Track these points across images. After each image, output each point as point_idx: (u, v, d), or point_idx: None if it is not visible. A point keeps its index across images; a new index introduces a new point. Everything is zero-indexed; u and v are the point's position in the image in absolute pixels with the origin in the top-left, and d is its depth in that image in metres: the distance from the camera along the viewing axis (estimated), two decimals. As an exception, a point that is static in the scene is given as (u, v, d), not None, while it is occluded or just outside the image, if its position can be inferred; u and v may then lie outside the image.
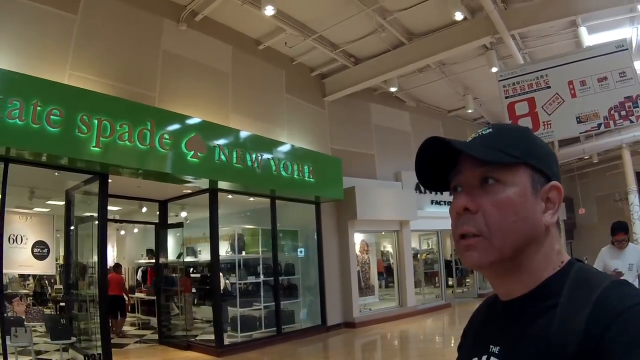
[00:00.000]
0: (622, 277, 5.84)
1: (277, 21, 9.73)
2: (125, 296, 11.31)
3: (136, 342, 10.09)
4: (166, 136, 8.03)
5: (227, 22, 10.10)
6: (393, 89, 12.52)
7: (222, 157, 8.79)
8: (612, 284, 0.81)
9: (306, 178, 10.36)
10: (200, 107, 9.03)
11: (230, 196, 9.78)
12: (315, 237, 11.28)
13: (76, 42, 7.80)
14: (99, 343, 7.48)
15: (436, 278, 15.16)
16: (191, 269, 11.92)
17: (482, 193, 0.90)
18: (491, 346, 0.94)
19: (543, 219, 0.90)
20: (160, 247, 10.30)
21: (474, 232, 0.89)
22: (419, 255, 14.95)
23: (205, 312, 10.65)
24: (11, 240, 7.53)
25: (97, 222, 7.88)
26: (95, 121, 7.24)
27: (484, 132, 0.96)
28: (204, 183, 9.02)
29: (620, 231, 6.13)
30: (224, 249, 10.15)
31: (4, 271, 7.82)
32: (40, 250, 8.03)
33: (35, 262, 7.93)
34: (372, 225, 12.26)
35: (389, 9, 9.91)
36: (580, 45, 11.07)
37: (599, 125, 9.04)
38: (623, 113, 8.76)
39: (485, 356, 0.95)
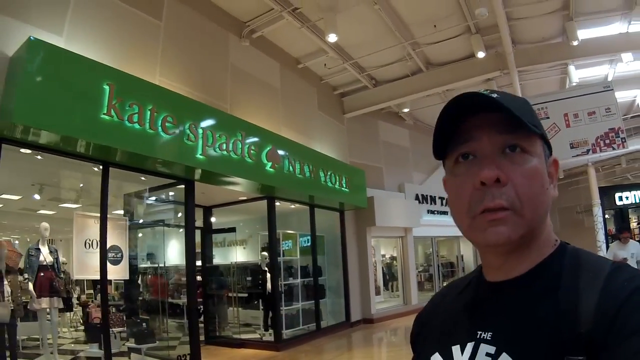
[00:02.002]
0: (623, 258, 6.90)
1: (323, 45, 9.63)
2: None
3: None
4: (253, 148, 7.72)
5: (276, 41, 9.83)
6: (405, 110, 12.71)
7: (290, 168, 8.58)
8: (617, 265, 0.74)
9: (343, 188, 10.29)
10: (262, 120, 8.70)
11: (278, 203, 9.49)
12: (340, 241, 11.21)
13: (163, 48, 7.29)
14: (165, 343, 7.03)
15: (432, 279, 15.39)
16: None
17: (506, 163, 0.76)
18: (479, 332, 0.78)
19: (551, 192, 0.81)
20: (206, 250, 9.80)
21: (506, 206, 0.74)
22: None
23: (245, 313, 10.21)
24: (87, 245, 6.79)
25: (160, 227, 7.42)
26: (200, 130, 6.82)
27: (491, 95, 0.78)
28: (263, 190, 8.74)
29: (625, 232, 8.34)
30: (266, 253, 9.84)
31: (80, 277, 7.18)
32: (114, 255, 7.37)
33: (110, 267, 7.24)
34: (384, 232, 12.33)
35: (420, 43, 10.10)
36: (564, 81, 11.93)
37: (588, 150, 9.88)
38: (607, 141, 9.67)
39: (472, 343, 0.78)
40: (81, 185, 7.75)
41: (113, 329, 6.67)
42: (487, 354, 0.74)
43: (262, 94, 9.31)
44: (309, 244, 10.15)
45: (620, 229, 8.75)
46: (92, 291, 8.12)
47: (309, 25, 9.02)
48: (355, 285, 11.37)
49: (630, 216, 18.46)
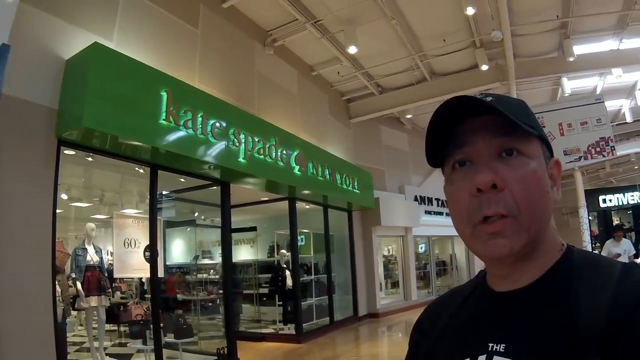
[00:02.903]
0: (619, 258, 7.41)
1: (339, 54, 9.79)
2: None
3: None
4: (285, 152, 7.84)
5: (294, 49, 9.94)
6: (408, 116, 12.96)
7: (313, 170, 8.72)
8: (627, 265, 0.69)
9: (355, 190, 10.47)
10: (284, 125, 8.78)
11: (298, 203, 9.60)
12: (348, 240, 11.39)
13: (200, 55, 7.33)
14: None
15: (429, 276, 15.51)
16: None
17: (503, 167, 0.70)
18: (491, 344, 0.72)
19: (553, 195, 0.76)
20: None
21: (504, 213, 0.69)
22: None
23: (265, 308, 10.29)
24: (126, 245, 6.78)
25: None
26: (242, 135, 6.91)
27: (485, 98, 0.73)
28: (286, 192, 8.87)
29: (618, 230, 8.99)
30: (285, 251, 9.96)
31: (121, 276, 7.16)
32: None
33: (147, 266, 7.23)
34: (388, 231, 12.53)
35: (428, 55, 10.37)
36: (556, 91, 12.37)
37: (580, 157, 10.27)
38: (598, 149, 10.07)
39: (484, 356, 0.72)
40: (121, 186, 7.71)
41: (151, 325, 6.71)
42: None
43: (283, 99, 9.40)
44: (319, 242, 10.27)
45: (615, 229, 9.44)
46: (125, 290, 8.07)
47: (328, 36, 9.17)
48: (362, 282, 11.55)
49: (613, 217, 19.27)
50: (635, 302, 0.61)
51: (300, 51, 10.07)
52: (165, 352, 6.19)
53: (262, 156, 7.26)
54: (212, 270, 8.50)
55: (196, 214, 9.49)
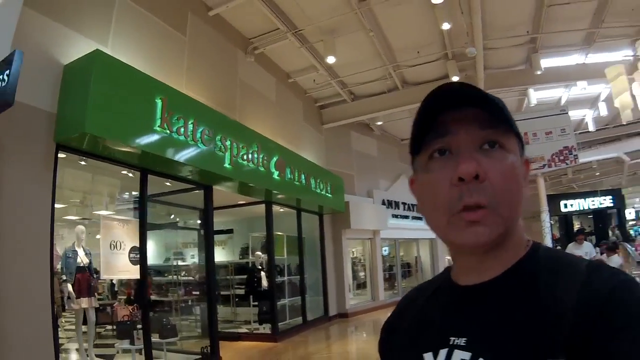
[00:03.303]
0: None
1: (316, 63, 10.16)
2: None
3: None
4: (265, 158, 8.13)
5: (273, 57, 10.23)
6: (379, 123, 13.44)
7: (290, 175, 9.03)
8: (592, 263, 0.70)
9: (327, 194, 10.85)
10: (264, 131, 9.03)
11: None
12: (319, 243, 11.76)
13: (188, 62, 7.52)
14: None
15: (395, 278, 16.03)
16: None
17: (484, 159, 0.70)
18: (452, 338, 0.73)
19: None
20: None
21: (484, 203, 0.68)
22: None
23: (240, 308, 10.50)
24: (112, 247, 6.91)
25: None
26: (228, 142, 7.16)
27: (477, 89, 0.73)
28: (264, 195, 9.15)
29: (580, 234, 9.64)
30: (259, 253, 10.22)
31: (107, 277, 7.25)
32: (135, 256, 7.53)
33: (131, 267, 7.36)
34: (357, 234, 12.93)
35: (401, 65, 10.86)
36: (522, 102, 13.10)
37: (544, 165, 11.02)
38: (561, 158, 10.84)
39: (445, 350, 0.73)
40: (108, 190, 7.79)
41: (138, 325, 6.86)
42: None
43: (262, 106, 9.66)
44: (292, 245, 10.59)
45: (577, 233, 10.24)
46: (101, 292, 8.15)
47: (308, 45, 9.52)
48: (332, 283, 11.94)
49: (574, 222, 20.28)
50: (603, 300, 0.61)
51: (279, 59, 10.37)
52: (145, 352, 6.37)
53: (245, 162, 7.53)
54: (187, 272, 8.66)
55: (172, 216, 9.64)
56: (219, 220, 10.57)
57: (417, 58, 10.36)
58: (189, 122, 6.36)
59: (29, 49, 4.84)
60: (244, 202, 9.50)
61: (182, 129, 6.22)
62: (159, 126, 5.80)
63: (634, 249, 13.53)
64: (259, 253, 10.03)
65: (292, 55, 9.97)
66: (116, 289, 8.55)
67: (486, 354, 0.67)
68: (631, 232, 26.37)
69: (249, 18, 8.69)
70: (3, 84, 3.99)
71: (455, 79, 10.62)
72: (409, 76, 11.48)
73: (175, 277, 8.54)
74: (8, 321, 4.45)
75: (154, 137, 5.76)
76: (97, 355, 7.08)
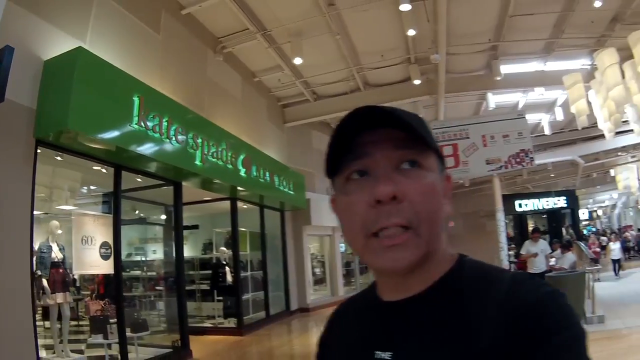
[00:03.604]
0: (536, 257, 8.76)
1: (282, 63, 10.40)
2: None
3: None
4: (234, 156, 8.31)
5: (240, 56, 10.38)
6: (339, 123, 13.81)
7: (256, 173, 9.25)
8: (516, 276, 0.70)
9: (290, 191, 11.12)
10: (230, 129, 9.18)
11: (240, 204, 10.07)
12: (280, 239, 12.02)
13: (161, 60, 7.61)
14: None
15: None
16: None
17: (403, 179, 0.68)
18: (377, 352, 0.72)
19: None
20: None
21: (403, 224, 0.67)
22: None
23: (205, 303, 10.61)
24: (83, 242, 6.95)
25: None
26: (200, 140, 7.31)
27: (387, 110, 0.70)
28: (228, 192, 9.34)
29: (535, 232, 9.84)
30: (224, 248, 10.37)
31: (79, 272, 7.24)
32: (105, 251, 7.54)
33: (101, 262, 7.39)
34: (317, 230, 13.26)
35: (365, 67, 11.26)
36: (480, 105, 13.75)
37: (501, 167, 11.66)
38: (518, 160, 11.41)
39: None
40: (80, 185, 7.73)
41: (110, 320, 6.92)
42: None
43: (229, 104, 9.81)
44: (254, 241, 10.82)
45: (532, 231, 10.60)
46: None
47: (275, 46, 9.75)
48: (293, 279, 12.24)
49: (528, 221, 21.14)
50: (527, 312, 0.62)
51: (246, 58, 10.52)
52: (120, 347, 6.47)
53: (215, 159, 7.70)
54: (157, 268, 8.71)
55: (136, 212, 9.64)
56: (184, 216, 10.67)
57: (381, 61, 10.77)
58: (164, 120, 6.49)
59: (8, 42, 4.86)
60: (209, 198, 9.63)
61: (157, 127, 6.36)
62: (136, 123, 5.93)
63: (587, 247, 14.49)
64: (224, 248, 10.19)
65: (259, 55, 10.15)
66: (78, 284, 8.48)
67: None
68: (584, 231, 27.98)
69: (220, 17, 8.82)
70: (-7, 80, 4.03)
71: (416, 82, 11.13)
72: (371, 78, 11.88)
73: (144, 272, 8.57)
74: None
75: (131, 134, 5.88)
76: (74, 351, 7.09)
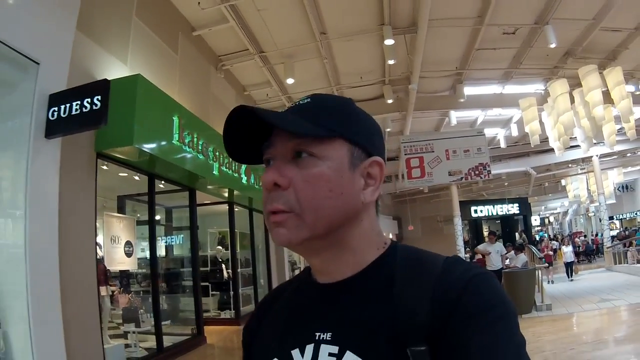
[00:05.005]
0: (491, 256, 10.34)
1: (272, 81, 11.45)
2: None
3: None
4: (238, 165, 9.27)
5: (235, 73, 11.32)
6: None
7: (252, 180, 10.22)
8: (449, 258, 0.73)
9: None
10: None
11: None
12: (264, 239, 13.01)
13: (179, 78, 8.46)
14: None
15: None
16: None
17: (293, 167, 0.73)
18: (317, 333, 0.74)
19: (361, 196, 0.76)
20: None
21: (284, 209, 0.72)
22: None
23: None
24: (112, 241, 7.76)
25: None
26: (218, 153, 8.24)
27: (301, 102, 0.79)
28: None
29: (492, 235, 11.28)
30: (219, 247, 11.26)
31: (110, 268, 7.99)
32: (128, 249, 8.30)
33: (126, 260, 8.14)
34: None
35: (344, 86, 12.49)
36: (442, 121, 15.25)
37: (461, 178, 13.23)
38: (477, 172, 13.07)
39: (312, 345, 0.74)
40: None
41: (140, 310, 7.73)
42: (330, 354, 0.71)
43: (225, 116, 10.70)
44: (244, 240, 11.76)
45: (489, 234, 11.99)
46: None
47: (268, 66, 10.79)
48: (274, 275, 13.25)
49: (483, 226, 22.69)
50: (460, 290, 0.66)
51: (239, 74, 11.48)
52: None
53: (226, 169, 8.63)
54: (173, 264, 9.52)
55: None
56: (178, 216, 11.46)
57: (359, 82, 12.02)
58: (194, 136, 7.39)
59: (71, 63, 5.51)
60: (209, 201, 10.50)
61: (191, 142, 7.25)
62: (177, 140, 6.81)
63: (539, 250, 16.22)
64: (220, 247, 11.07)
65: (252, 72, 11.14)
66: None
67: (352, 347, 0.69)
68: (537, 236, 29.90)
69: (223, 39, 9.74)
70: (95, 107, 4.84)
71: (389, 101, 12.42)
72: (348, 94, 12.98)
73: (162, 269, 9.34)
74: (71, 300, 5.26)
75: (172, 149, 6.76)
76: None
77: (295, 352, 0.75)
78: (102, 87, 4.90)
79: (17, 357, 4.46)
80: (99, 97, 4.87)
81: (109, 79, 6.00)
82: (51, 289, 4.80)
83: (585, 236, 28.62)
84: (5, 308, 4.48)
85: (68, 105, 4.92)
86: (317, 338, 0.74)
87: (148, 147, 6.16)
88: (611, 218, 26.49)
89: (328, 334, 0.73)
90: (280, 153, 0.75)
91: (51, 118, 4.98)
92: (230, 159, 8.57)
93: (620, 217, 30.32)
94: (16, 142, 4.94)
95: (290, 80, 10.53)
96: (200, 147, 7.54)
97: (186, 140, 7.05)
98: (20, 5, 4.58)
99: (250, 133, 0.78)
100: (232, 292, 10.65)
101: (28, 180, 4.74)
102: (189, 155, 7.20)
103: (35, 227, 4.63)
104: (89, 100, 4.83)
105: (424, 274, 0.70)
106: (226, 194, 10.10)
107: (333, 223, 0.73)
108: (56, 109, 4.98)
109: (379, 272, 0.75)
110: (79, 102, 4.87)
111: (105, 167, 6.77)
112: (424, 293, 0.67)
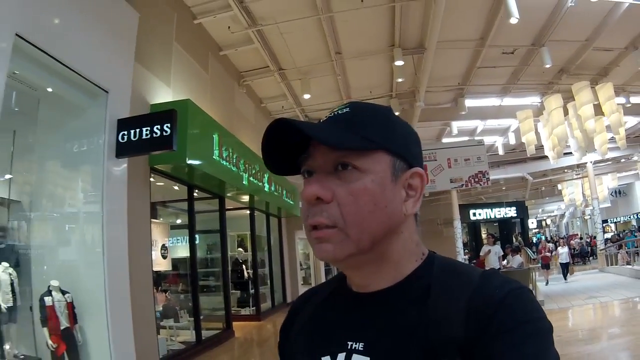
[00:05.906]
0: (490, 255, 11.34)
1: (288, 94, 12.39)
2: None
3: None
4: (262, 174, 10.20)
5: (254, 87, 12.24)
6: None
7: (272, 188, 11.16)
8: (486, 272, 0.74)
9: (290, 201, 13.10)
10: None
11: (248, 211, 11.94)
12: (278, 241, 13.97)
13: (210, 95, 9.36)
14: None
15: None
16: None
17: (336, 180, 0.72)
18: (350, 342, 0.74)
19: (403, 208, 0.76)
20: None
21: (327, 224, 0.71)
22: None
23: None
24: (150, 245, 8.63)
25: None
26: (247, 165, 9.18)
27: (340, 112, 0.78)
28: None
29: (492, 237, 12.46)
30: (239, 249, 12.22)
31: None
32: (164, 252, 9.18)
33: (162, 261, 8.99)
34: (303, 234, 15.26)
35: (354, 99, 13.39)
36: (444, 130, 16.20)
37: (462, 185, 14.16)
38: (476, 179, 13.96)
39: (344, 354, 0.74)
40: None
41: (177, 307, 8.65)
42: None
43: (248, 129, 11.64)
44: (261, 243, 12.72)
45: (490, 235, 13.23)
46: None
47: (285, 82, 11.73)
48: (287, 276, 14.23)
49: (481, 229, 23.57)
50: (496, 305, 0.66)
51: (258, 88, 12.40)
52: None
53: (254, 179, 9.57)
54: (205, 265, 10.45)
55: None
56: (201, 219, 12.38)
57: (368, 95, 12.98)
58: (230, 151, 8.32)
59: (124, 86, 6.34)
60: (231, 207, 11.41)
61: (228, 157, 8.18)
62: (217, 155, 7.75)
63: (535, 252, 17.11)
64: (241, 249, 12.02)
65: (269, 86, 12.07)
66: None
67: (384, 358, 0.70)
68: (534, 239, 30.60)
69: (246, 57, 10.67)
70: (165, 133, 5.75)
71: (396, 113, 13.29)
72: (356, 105, 14.02)
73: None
74: (135, 297, 6.18)
75: (213, 163, 7.70)
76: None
77: (326, 359, 0.76)
78: (171, 116, 5.78)
79: (92, 348, 5.32)
80: (169, 125, 5.77)
81: (157, 102, 7.09)
82: (124, 287, 5.73)
83: (581, 238, 29.57)
84: (81, 305, 5.27)
85: (138, 130, 5.84)
86: (349, 347, 0.74)
87: (196, 162, 7.07)
88: (606, 221, 27.36)
89: (360, 344, 0.73)
90: (320, 165, 0.74)
91: (121, 140, 5.88)
92: (257, 170, 9.76)
93: (615, 220, 31.27)
94: (91, 160, 5.84)
95: (306, 96, 11.47)
96: (234, 160, 8.45)
97: (224, 155, 7.97)
98: (88, 37, 5.30)
99: (287, 145, 0.78)
100: (252, 291, 11.51)
101: (104, 193, 5.65)
102: (225, 168, 8.11)
103: (111, 233, 5.55)
104: (158, 127, 5.74)
105: (461, 286, 0.70)
106: (246, 200, 11.01)
107: (377, 237, 0.73)
108: (125, 132, 5.88)
109: (416, 284, 0.75)
110: (148, 128, 5.78)
111: (152, 179, 7.71)
112: (459, 306, 0.68)
